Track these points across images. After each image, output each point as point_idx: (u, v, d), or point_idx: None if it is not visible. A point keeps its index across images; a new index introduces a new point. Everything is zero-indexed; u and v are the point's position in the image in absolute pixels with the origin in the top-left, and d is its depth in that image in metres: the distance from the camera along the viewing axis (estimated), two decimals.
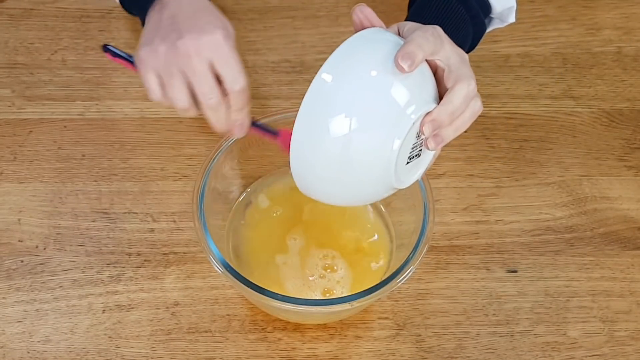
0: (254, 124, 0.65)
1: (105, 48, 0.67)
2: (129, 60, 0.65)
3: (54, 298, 0.75)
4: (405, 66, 0.55)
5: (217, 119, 0.62)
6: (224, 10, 0.87)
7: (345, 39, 0.58)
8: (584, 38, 0.96)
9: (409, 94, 0.57)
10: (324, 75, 0.56)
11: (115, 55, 0.66)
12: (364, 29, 0.61)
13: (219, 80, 0.61)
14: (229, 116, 0.62)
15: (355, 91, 0.56)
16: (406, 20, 0.72)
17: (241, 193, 0.78)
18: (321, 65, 0.56)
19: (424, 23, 0.66)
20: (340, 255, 0.74)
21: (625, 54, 0.95)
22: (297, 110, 0.57)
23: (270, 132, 0.65)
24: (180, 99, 0.61)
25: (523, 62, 0.94)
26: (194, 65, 0.60)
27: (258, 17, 0.96)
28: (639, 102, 0.91)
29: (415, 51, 0.56)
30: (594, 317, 0.76)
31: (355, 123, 0.55)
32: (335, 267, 0.73)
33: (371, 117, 0.56)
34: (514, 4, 0.78)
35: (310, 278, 0.72)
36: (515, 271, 0.78)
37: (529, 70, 0.93)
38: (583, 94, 0.91)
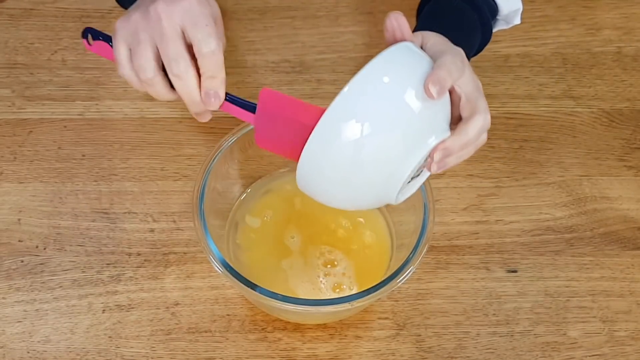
0: (228, 96, 0.61)
1: (86, 32, 0.63)
2: (109, 42, 0.62)
3: (54, 298, 0.75)
4: (434, 93, 0.54)
5: (186, 89, 0.59)
6: (223, 10, 0.88)
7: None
8: (584, 38, 0.96)
9: (432, 119, 0.57)
10: (357, 84, 0.55)
11: (96, 37, 0.63)
12: (394, 37, 0.60)
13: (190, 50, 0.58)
14: (200, 86, 0.59)
15: (384, 108, 0.55)
16: (417, 27, 0.72)
17: (241, 193, 0.78)
18: (356, 72, 0.55)
19: (439, 30, 0.66)
20: (334, 248, 0.74)
21: (625, 54, 0.95)
22: None
23: (247, 106, 0.60)
24: (145, 68, 0.58)
25: (523, 62, 0.93)
26: (163, 28, 0.57)
27: (258, 17, 0.96)
28: (639, 102, 0.91)
29: (446, 78, 0.55)
30: (594, 317, 0.76)
31: (376, 137, 0.55)
32: (335, 262, 0.73)
33: (394, 135, 0.55)
34: (520, 6, 0.78)
35: (320, 280, 0.73)
36: (515, 271, 0.78)
37: (529, 70, 0.93)
38: (583, 94, 0.91)
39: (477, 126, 0.59)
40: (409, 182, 0.60)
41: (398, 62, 0.57)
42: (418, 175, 0.61)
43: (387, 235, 0.77)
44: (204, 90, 0.59)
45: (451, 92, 0.60)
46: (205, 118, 0.63)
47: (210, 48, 0.58)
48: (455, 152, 0.58)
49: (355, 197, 0.60)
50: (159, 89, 0.60)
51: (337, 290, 0.72)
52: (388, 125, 0.55)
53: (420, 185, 0.68)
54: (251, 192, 0.78)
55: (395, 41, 0.60)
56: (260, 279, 0.65)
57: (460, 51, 0.61)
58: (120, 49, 0.59)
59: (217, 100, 0.60)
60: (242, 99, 0.61)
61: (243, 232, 0.76)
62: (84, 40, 0.64)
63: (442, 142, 0.57)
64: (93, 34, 0.63)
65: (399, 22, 0.59)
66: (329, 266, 0.73)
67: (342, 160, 0.56)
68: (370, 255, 0.75)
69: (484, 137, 0.61)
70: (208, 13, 0.59)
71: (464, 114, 0.59)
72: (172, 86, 0.60)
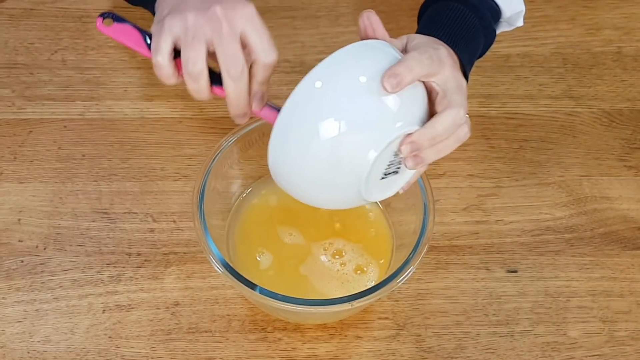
0: (268, 104, 0.64)
1: (105, 15, 0.63)
2: (137, 28, 0.63)
3: (54, 298, 0.75)
4: (388, 87, 0.55)
5: (238, 90, 0.61)
6: None
7: (346, 43, 0.58)
8: (584, 38, 0.96)
9: (393, 111, 0.57)
10: (313, 78, 0.56)
11: (118, 20, 0.63)
12: (366, 35, 0.61)
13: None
14: (249, 88, 0.61)
15: (338, 99, 0.56)
16: (417, 31, 0.72)
17: (241, 193, 0.78)
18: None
19: (438, 35, 0.66)
20: (335, 237, 0.74)
21: (625, 54, 0.95)
22: None
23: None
24: (196, 61, 0.60)
25: (523, 62, 0.94)
26: (223, 29, 0.59)
27: None
28: (639, 102, 0.91)
29: (403, 73, 0.56)
30: (594, 317, 0.76)
31: (332, 128, 0.56)
32: (343, 253, 0.73)
33: (350, 126, 0.56)
34: (523, 8, 0.77)
35: (342, 272, 0.73)
36: (515, 271, 0.78)
37: (529, 70, 0.93)
38: (583, 94, 0.91)
39: (447, 121, 0.59)
40: (384, 178, 0.60)
41: (359, 54, 0.57)
42: (396, 172, 0.61)
43: (378, 208, 0.77)
44: (253, 92, 0.62)
45: (431, 90, 0.60)
46: (244, 119, 0.65)
47: (271, 59, 0.61)
48: (424, 146, 0.58)
49: (327, 192, 0.61)
50: (202, 83, 0.61)
51: (359, 271, 0.72)
52: (344, 113, 0.56)
53: (420, 185, 0.68)
54: (251, 191, 0.78)
55: (367, 39, 0.61)
56: (291, 294, 0.64)
57: (437, 48, 0.61)
58: (164, 38, 0.60)
59: (261, 103, 0.63)
60: (275, 105, 0.64)
61: (256, 275, 0.72)
62: (100, 19, 0.64)
63: (409, 136, 0.58)
64: (115, 17, 0.64)
65: (370, 20, 0.61)
66: (337, 257, 0.73)
67: (302, 155, 0.57)
68: (370, 229, 0.75)
69: (463, 131, 0.61)
70: (264, 22, 0.61)
71: (438, 109, 0.60)
72: (211, 84, 0.62)
